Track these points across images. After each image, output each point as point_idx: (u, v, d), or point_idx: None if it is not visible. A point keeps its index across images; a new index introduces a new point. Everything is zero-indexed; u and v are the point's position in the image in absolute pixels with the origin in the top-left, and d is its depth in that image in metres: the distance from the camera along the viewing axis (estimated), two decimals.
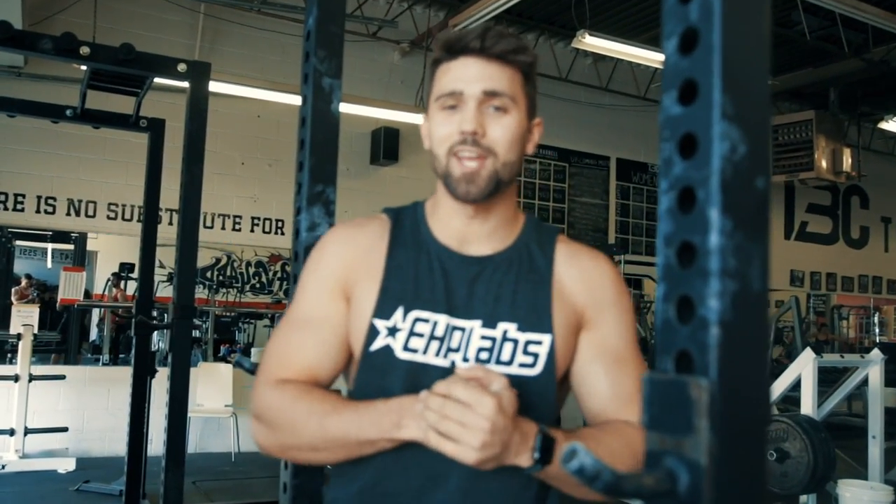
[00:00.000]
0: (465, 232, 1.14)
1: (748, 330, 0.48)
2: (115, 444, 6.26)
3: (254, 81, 6.32)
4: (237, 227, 7.16)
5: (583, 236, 9.04)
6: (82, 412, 6.26)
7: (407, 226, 1.17)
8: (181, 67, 2.70)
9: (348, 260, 1.14)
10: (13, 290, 8.95)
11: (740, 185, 0.48)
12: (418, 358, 1.07)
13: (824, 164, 8.34)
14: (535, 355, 1.09)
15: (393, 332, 1.08)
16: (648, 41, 7.26)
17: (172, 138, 4.06)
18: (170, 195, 3.98)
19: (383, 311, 1.09)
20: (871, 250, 12.01)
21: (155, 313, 4.77)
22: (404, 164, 7.72)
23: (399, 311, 1.09)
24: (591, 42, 6.01)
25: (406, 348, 1.08)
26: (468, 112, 1.07)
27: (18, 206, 6.36)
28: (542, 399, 1.09)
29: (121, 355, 8.40)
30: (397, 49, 7.80)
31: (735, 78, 0.48)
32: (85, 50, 2.55)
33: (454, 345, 1.08)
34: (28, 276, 9.31)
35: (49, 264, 9.77)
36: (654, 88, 9.37)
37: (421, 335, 1.08)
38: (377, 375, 1.08)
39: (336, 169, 1.35)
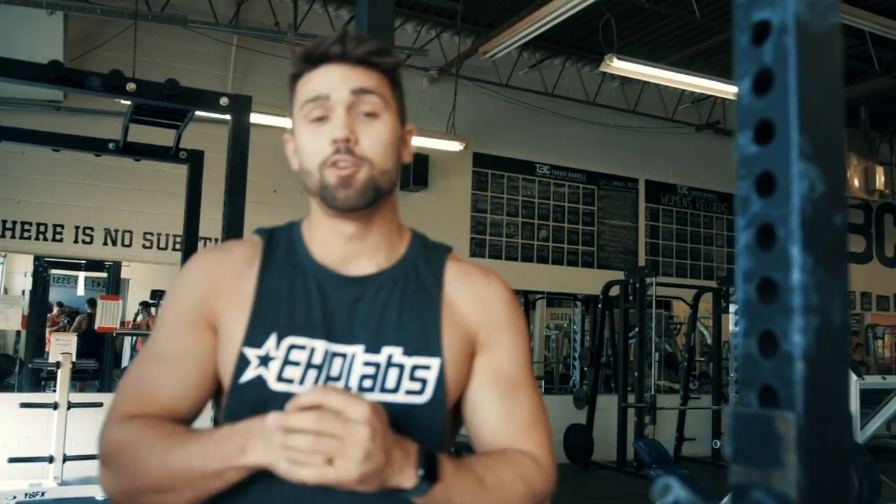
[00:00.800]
0: (345, 251, 1.06)
1: (831, 364, 0.49)
2: None
3: (285, 111, 6.41)
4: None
5: (613, 259, 9.00)
6: None
7: (281, 246, 1.08)
8: (223, 101, 2.76)
9: (212, 287, 1.04)
10: (48, 317, 9.09)
11: (819, 223, 0.49)
12: (294, 388, 0.96)
13: (857, 182, 8.27)
14: (423, 381, 1.00)
15: (265, 361, 0.98)
16: (675, 63, 7.27)
17: (207, 168, 4.14)
18: (205, 224, 4.05)
19: (254, 338, 0.99)
20: None
21: None
22: (434, 189, 7.77)
23: (272, 338, 0.99)
24: (620, 66, 6.03)
25: (280, 378, 0.97)
26: (338, 119, 0.99)
27: (57, 237, 6.49)
28: (431, 428, 1.00)
29: None
30: (426, 76, 7.88)
31: (811, 117, 0.49)
32: (131, 86, 2.62)
33: (335, 373, 0.99)
34: (59, 304, 9.44)
35: (81, 291, 9.91)
36: (682, 110, 9.35)
37: (297, 363, 0.98)
38: (248, 409, 0.95)
39: None
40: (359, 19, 1.25)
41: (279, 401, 0.92)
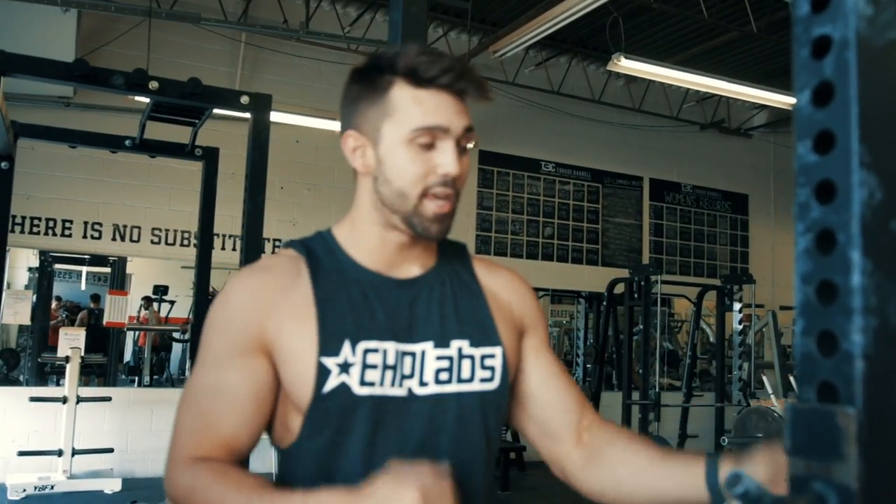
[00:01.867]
0: (395, 258, 1.09)
1: (888, 362, 0.51)
2: (159, 465, 6.32)
3: (293, 108, 6.44)
4: (277, 250, 7.25)
5: (617, 257, 9.02)
6: (126, 433, 6.35)
7: (322, 256, 1.08)
8: (244, 100, 2.78)
9: (261, 308, 1.02)
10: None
11: (878, 229, 0.51)
12: (377, 391, 1.00)
13: None
14: (492, 369, 1.08)
15: (346, 367, 0.99)
16: (681, 62, 7.28)
17: (220, 165, 4.17)
18: (215, 220, 4.08)
19: (329, 347, 1.00)
20: None
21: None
22: None
23: (346, 345, 1.00)
24: (627, 65, 6.04)
25: (363, 382, 1.00)
26: (450, 154, 1.01)
27: (66, 232, 6.51)
28: (501, 411, 1.11)
29: (154, 377, 8.51)
30: None
31: (870, 128, 0.52)
32: (154, 84, 2.64)
33: (406, 371, 1.03)
34: (58, 298, 9.44)
35: (83, 286, 9.93)
36: (687, 109, 9.36)
37: (375, 366, 1.01)
38: (336, 418, 0.99)
39: None
40: (392, 23, 1.27)
41: (365, 405, 1.00)
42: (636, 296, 7.76)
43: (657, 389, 7.47)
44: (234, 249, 6.64)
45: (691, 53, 7.84)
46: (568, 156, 8.83)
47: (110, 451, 5.95)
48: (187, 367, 3.98)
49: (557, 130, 8.70)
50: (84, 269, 9.87)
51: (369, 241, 1.09)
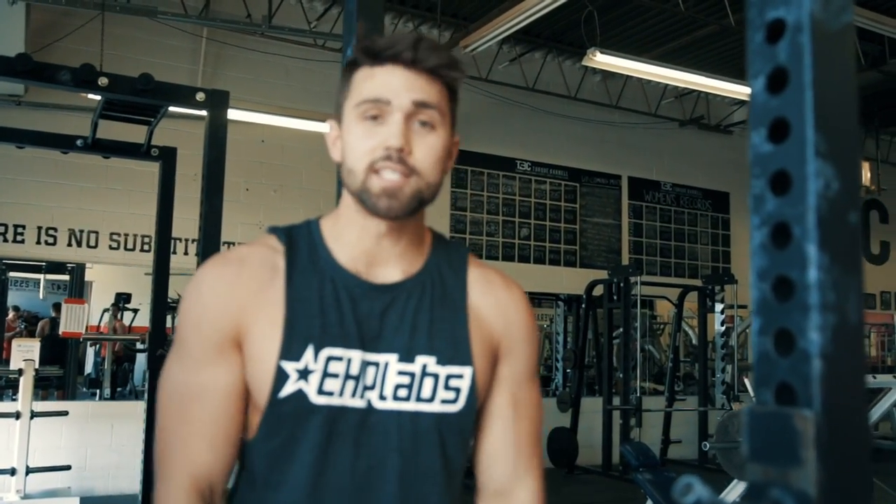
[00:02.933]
0: (374, 253, 1.07)
1: (848, 361, 0.50)
2: (120, 482, 6.26)
3: (258, 106, 6.39)
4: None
5: (596, 258, 9.06)
6: (85, 449, 6.26)
7: (303, 249, 1.08)
8: (200, 96, 2.75)
9: (236, 303, 1.03)
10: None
11: (835, 221, 0.51)
12: (334, 401, 1.00)
13: None
14: (457, 390, 1.05)
15: (305, 374, 0.99)
16: (659, 57, 7.34)
17: (178, 166, 4.12)
18: (176, 224, 4.03)
19: (291, 351, 1.00)
20: (893, 265, 12.02)
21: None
22: None
23: (309, 350, 1.00)
24: (603, 60, 6.07)
25: (321, 391, 1.00)
26: (394, 126, 1.00)
27: (18, 238, 6.41)
28: (462, 435, 1.08)
29: (118, 389, 8.40)
30: None
31: (826, 116, 0.51)
32: (103, 81, 2.60)
33: (368, 382, 1.02)
34: (16, 308, 9.31)
35: (41, 295, 9.79)
36: (665, 105, 9.44)
37: (336, 375, 1.00)
38: (289, 424, 1.00)
39: None
40: (347, 13, 1.25)
41: (320, 414, 1.00)
42: (616, 298, 7.81)
43: (638, 394, 7.51)
44: (196, 254, 6.58)
45: (669, 48, 7.90)
46: (544, 154, 8.86)
47: (67, 468, 5.85)
48: (147, 377, 3.92)
49: (533, 128, 8.73)
50: (42, 276, 9.73)
51: (350, 234, 1.08)
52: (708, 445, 5.08)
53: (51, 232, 6.51)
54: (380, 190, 1.01)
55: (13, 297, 9.86)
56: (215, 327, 1.02)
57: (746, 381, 6.04)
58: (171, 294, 5.09)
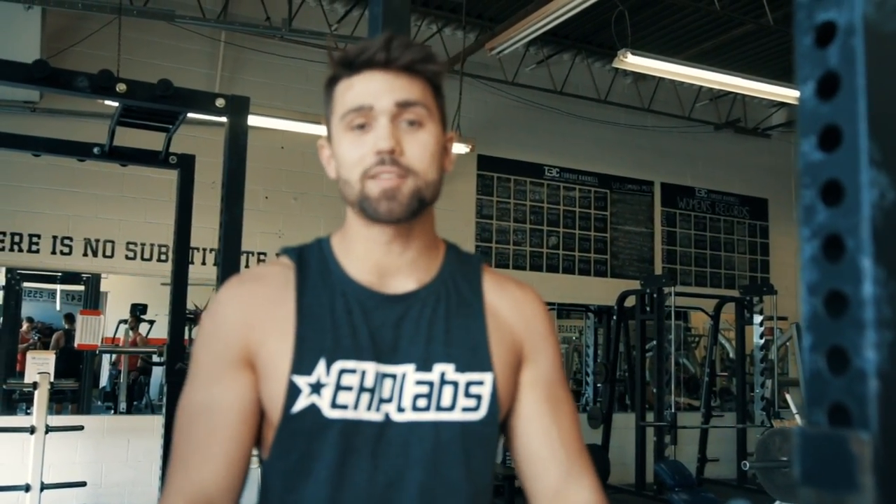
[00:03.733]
0: (384, 263, 1.09)
1: None
2: (136, 498, 6.31)
3: (277, 111, 6.44)
4: (265, 261, 7.25)
5: (627, 267, 9.02)
6: (100, 465, 6.32)
7: (314, 266, 1.10)
8: (219, 102, 2.78)
9: (247, 321, 1.05)
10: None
11: (890, 233, 0.50)
12: (349, 415, 1.01)
13: None
14: (478, 397, 1.06)
15: (317, 388, 1.01)
16: (693, 58, 7.31)
17: (196, 174, 4.16)
18: (194, 233, 4.07)
19: (302, 365, 1.01)
20: None
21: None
22: None
23: (321, 364, 1.01)
24: (634, 61, 6.05)
25: (335, 405, 1.01)
26: (381, 129, 1.03)
27: (33, 248, 6.50)
28: (487, 444, 1.07)
29: (133, 402, 8.48)
30: None
31: (880, 122, 0.50)
32: (122, 87, 2.63)
33: (385, 395, 1.03)
34: (30, 320, 9.41)
35: (58, 306, 9.91)
36: (700, 108, 9.38)
37: (349, 388, 1.01)
38: (303, 440, 1.01)
39: None
40: (372, 17, 1.26)
41: (335, 428, 1.00)
42: (648, 309, 7.75)
43: (673, 410, 7.45)
44: (214, 264, 6.63)
45: (704, 48, 7.86)
46: (573, 160, 8.84)
47: (83, 484, 5.91)
48: (165, 392, 3.96)
49: (561, 132, 8.71)
50: (58, 287, 9.86)
51: (358, 247, 1.10)
52: (748, 465, 5.02)
53: (66, 242, 6.59)
54: (379, 193, 1.03)
55: (27, 309, 10.00)
56: (226, 344, 1.05)
57: (788, 397, 5.97)
58: (190, 305, 5.13)
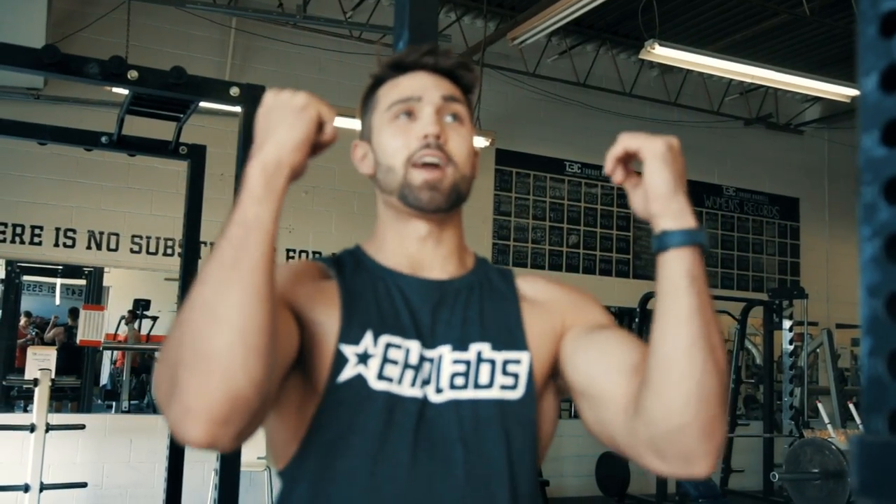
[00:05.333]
0: (418, 257, 1.15)
1: None
2: (139, 500, 6.35)
3: None
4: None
5: (650, 268, 8.89)
6: (101, 465, 6.36)
7: (349, 264, 1.16)
8: (234, 91, 2.79)
9: (295, 281, 1.10)
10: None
11: None
12: (393, 388, 1.04)
13: None
14: (516, 375, 1.09)
15: (364, 358, 1.04)
16: (723, 49, 7.27)
17: (207, 165, 4.17)
18: (202, 226, 4.07)
19: (350, 335, 1.05)
20: None
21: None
22: None
23: (368, 335, 1.06)
24: (661, 53, 6.04)
25: (381, 377, 1.04)
26: (428, 116, 1.12)
27: (35, 240, 6.54)
28: (526, 424, 1.08)
29: (133, 402, 8.52)
30: None
31: None
32: (133, 74, 2.65)
33: (425, 376, 1.07)
34: (28, 314, 9.47)
35: (58, 300, 9.98)
36: (729, 102, 9.34)
37: (395, 362, 1.05)
38: (346, 411, 1.03)
39: None
40: (398, 6, 1.27)
41: (379, 400, 1.03)
42: None
43: None
44: None
45: (734, 39, 7.82)
46: (595, 155, 8.81)
47: (83, 485, 5.94)
48: None
49: (584, 126, 8.69)
50: (58, 281, 9.92)
51: (391, 243, 1.17)
52: (777, 476, 5.00)
53: (69, 234, 6.63)
54: (421, 182, 1.10)
55: (29, 303, 10.07)
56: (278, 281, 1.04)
57: (819, 406, 5.94)
58: None
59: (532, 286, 1.21)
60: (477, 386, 1.07)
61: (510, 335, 1.12)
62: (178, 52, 6.71)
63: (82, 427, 5.95)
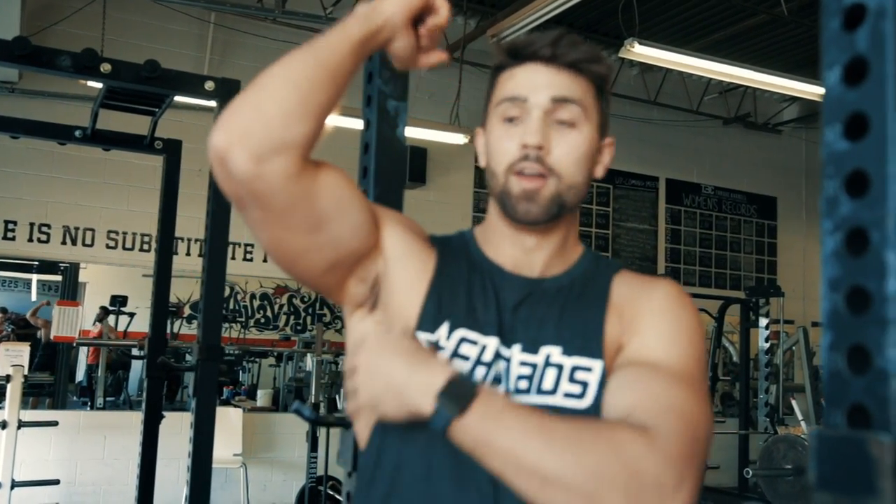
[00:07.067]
0: (518, 258, 1.12)
1: None
2: (112, 497, 6.30)
3: None
4: (248, 256, 7.24)
5: (629, 265, 8.97)
6: (75, 463, 6.30)
7: (455, 246, 1.16)
8: (209, 85, 2.77)
9: (404, 231, 1.11)
10: None
11: None
12: None
13: None
14: (584, 384, 1.02)
15: (436, 349, 1.04)
16: (702, 49, 7.30)
17: (182, 160, 4.14)
18: (178, 222, 4.05)
19: (427, 322, 1.06)
20: None
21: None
22: (432, 186, 7.78)
23: (444, 327, 1.05)
24: (641, 51, 6.04)
25: None
26: (532, 123, 1.05)
27: (9, 235, 6.47)
28: None
29: (109, 398, 8.45)
30: None
31: None
32: (106, 67, 2.62)
33: (498, 374, 1.04)
34: (3, 310, 9.40)
35: (34, 296, 9.89)
36: (708, 101, 9.38)
37: (466, 358, 1.03)
38: None
39: (403, 199, 1.37)
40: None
41: None
42: None
43: None
44: (200, 255, 6.61)
45: (714, 39, 7.86)
46: None
47: (56, 482, 5.88)
48: (145, 387, 3.95)
49: None
50: (34, 276, 9.83)
51: (497, 237, 1.15)
52: (751, 472, 5.03)
53: (44, 229, 6.56)
54: (519, 192, 1.06)
55: (1, 298, 9.98)
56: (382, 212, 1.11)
57: (793, 403, 5.99)
58: (173, 298, 5.11)
59: (626, 287, 1.12)
60: (540, 391, 1.02)
61: (585, 341, 1.05)
62: (156, 47, 6.65)
63: (55, 424, 5.89)
